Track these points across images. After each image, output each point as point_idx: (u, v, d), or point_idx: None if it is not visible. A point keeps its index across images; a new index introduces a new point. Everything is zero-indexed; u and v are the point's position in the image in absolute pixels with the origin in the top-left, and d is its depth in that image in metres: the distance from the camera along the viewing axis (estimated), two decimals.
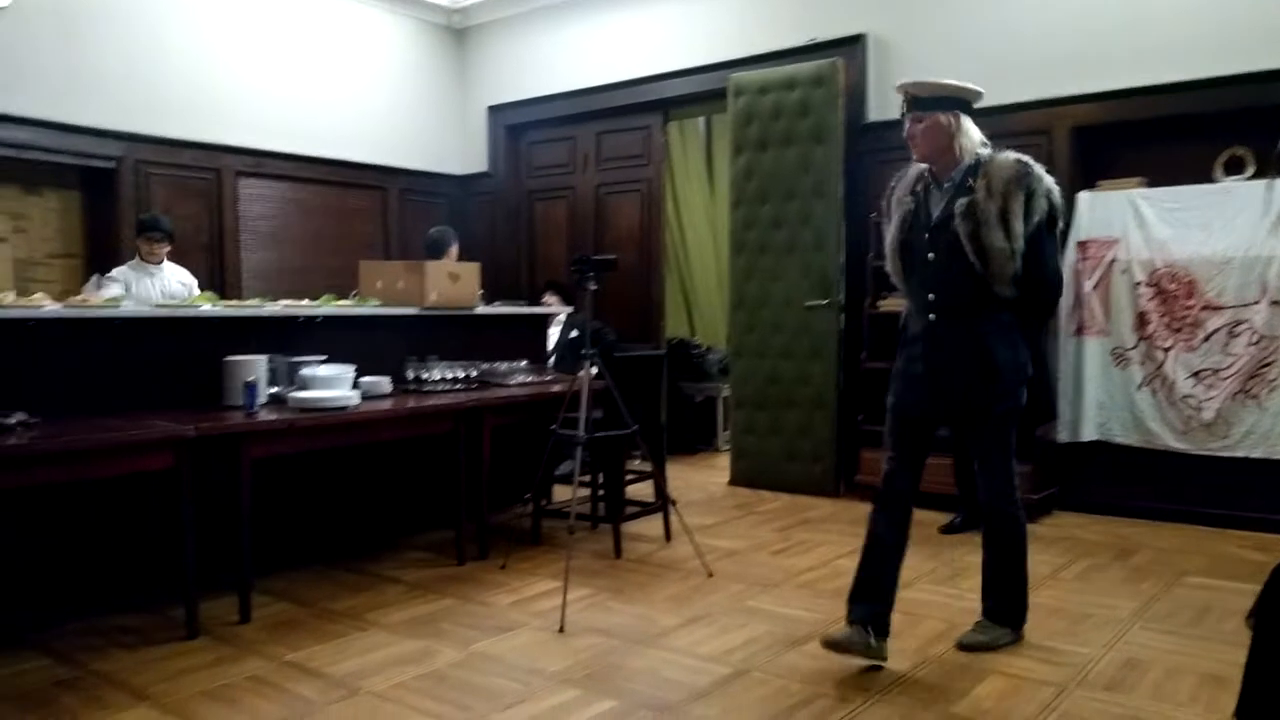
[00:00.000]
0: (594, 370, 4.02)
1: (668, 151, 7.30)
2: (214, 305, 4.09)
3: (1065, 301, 5.00)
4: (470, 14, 7.65)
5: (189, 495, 3.15)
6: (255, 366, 3.63)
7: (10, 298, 3.43)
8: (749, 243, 5.89)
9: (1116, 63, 4.95)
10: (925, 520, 4.89)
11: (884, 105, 5.67)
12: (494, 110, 7.65)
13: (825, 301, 5.60)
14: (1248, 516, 4.56)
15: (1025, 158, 2.88)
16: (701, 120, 8.58)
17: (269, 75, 6.60)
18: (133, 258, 5.16)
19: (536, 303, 6.43)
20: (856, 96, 5.69)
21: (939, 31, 5.50)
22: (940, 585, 3.83)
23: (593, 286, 4.02)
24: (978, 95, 3.00)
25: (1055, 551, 4.32)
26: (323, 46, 6.95)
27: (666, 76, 6.62)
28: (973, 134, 2.95)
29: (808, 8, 5.96)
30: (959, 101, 2.95)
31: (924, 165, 3.04)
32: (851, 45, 5.73)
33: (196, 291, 5.07)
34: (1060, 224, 2.95)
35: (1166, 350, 4.78)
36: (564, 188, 7.50)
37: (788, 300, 5.72)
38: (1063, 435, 5.06)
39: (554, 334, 6.14)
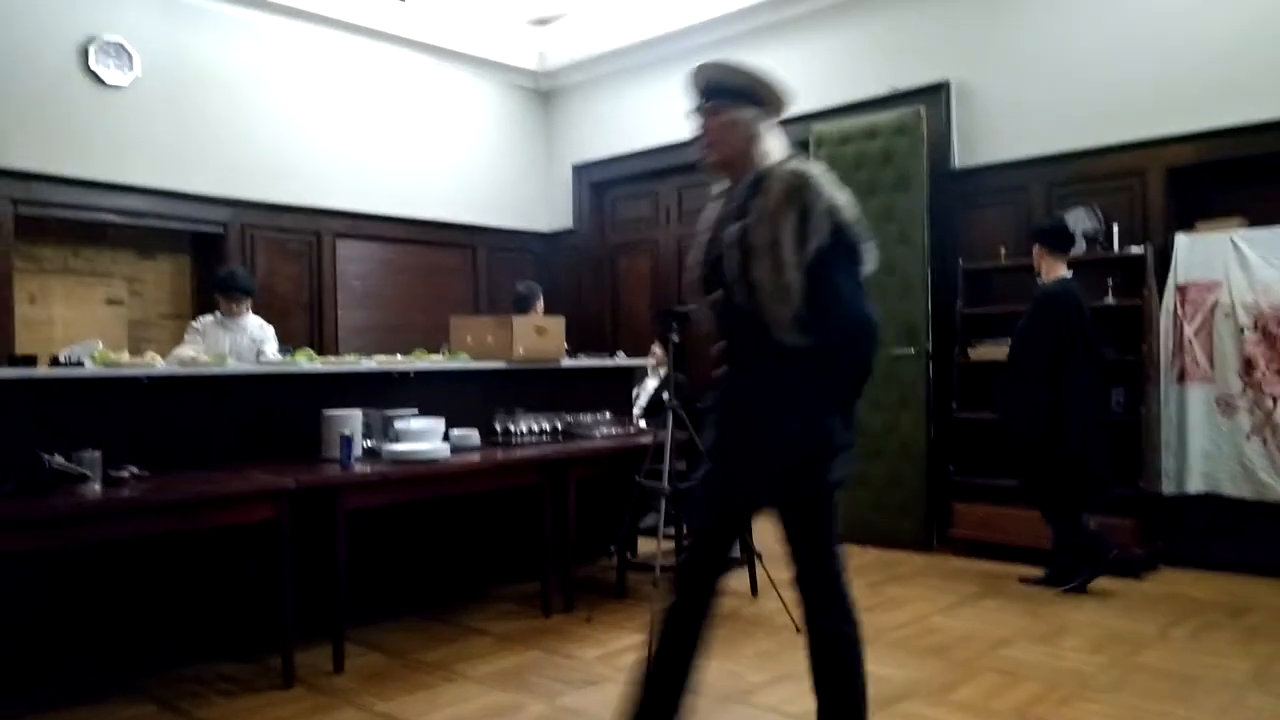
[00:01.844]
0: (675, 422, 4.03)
1: None
2: (311, 361, 4.25)
3: (1166, 347, 4.84)
4: (556, 76, 7.88)
5: (287, 546, 3.25)
6: (351, 421, 3.75)
7: (125, 357, 3.62)
8: None
9: (1208, 102, 4.82)
10: (1011, 573, 4.74)
11: (969, 152, 5.64)
12: (579, 169, 7.83)
13: (913, 350, 5.52)
14: None
15: (805, 168, 2.24)
16: None
17: (365, 140, 6.90)
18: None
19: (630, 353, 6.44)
20: (940, 144, 5.65)
21: (1023, 76, 5.45)
22: (1037, 644, 3.69)
23: (676, 339, 4.05)
24: (787, 101, 2.38)
25: (1162, 610, 4.13)
26: (416, 111, 7.23)
27: None
28: (771, 144, 2.34)
29: (889, 58, 5.97)
30: (764, 100, 2.34)
31: (720, 180, 2.43)
32: (934, 93, 5.71)
33: (271, 342, 5.15)
34: (859, 251, 2.25)
35: (1276, 398, 4.56)
36: (648, 241, 7.61)
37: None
38: (1168, 487, 4.85)
39: (651, 385, 6.16)
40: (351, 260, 6.86)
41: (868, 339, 2.23)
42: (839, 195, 2.22)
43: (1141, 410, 4.85)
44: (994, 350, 5.24)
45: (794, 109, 6.94)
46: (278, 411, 3.91)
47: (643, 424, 5.32)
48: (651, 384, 6.17)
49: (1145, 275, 4.89)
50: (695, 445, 4.07)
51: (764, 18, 6.58)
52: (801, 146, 6.20)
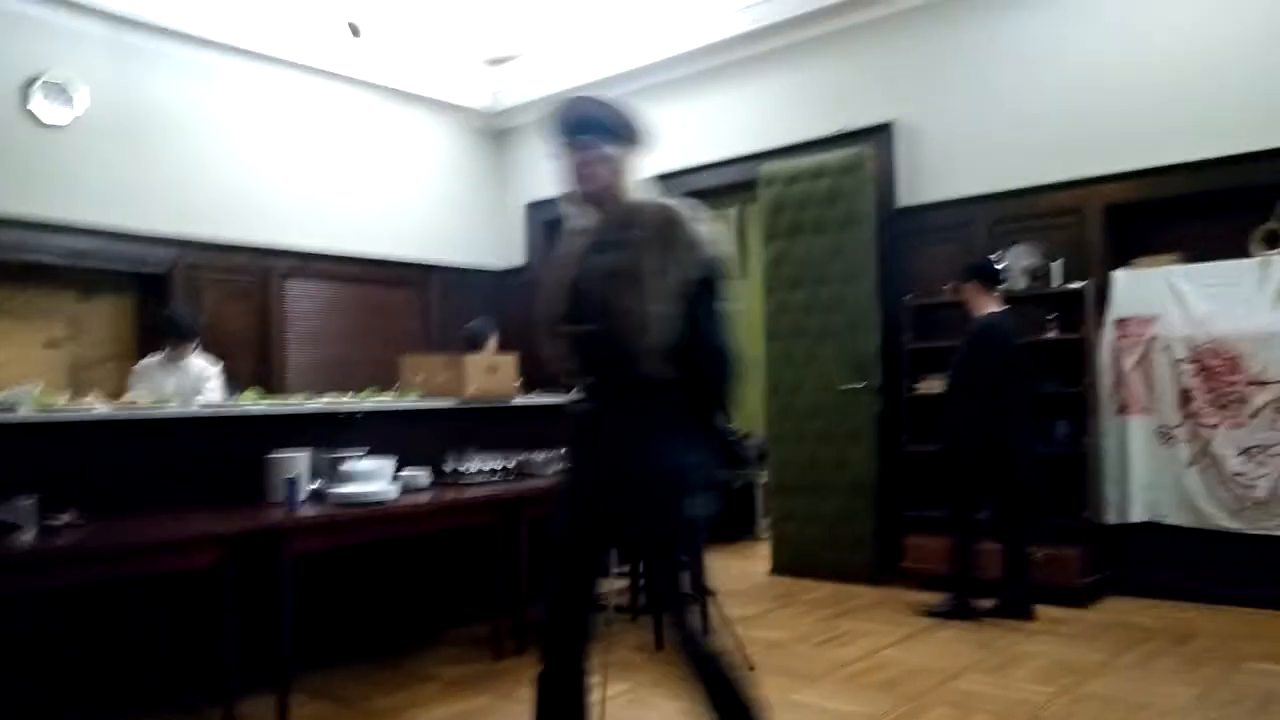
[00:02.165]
0: None
1: None
2: (257, 402, 4.18)
3: (1107, 380, 4.95)
4: (509, 116, 7.92)
5: (229, 593, 3.18)
6: (296, 463, 3.69)
7: (64, 400, 3.54)
8: (782, 328, 5.92)
9: (1146, 141, 4.98)
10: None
11: (915, 190, 5.75)
12: (532, 207, 7.85)
13: (862, 384, 5.58)
14: None
15: (674, 203, 2.35)
16: (735, 208, 8.71)
17: (316, 179, 6.86)
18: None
19: None
20: (887, 182, 5.77)
21: (966, 116, 5.59)
22: (988, 675, 3.71)
23: None
24: (649, 139, 2.47)
25: (1109, 638, 4.18)
26: (368, 150, 7.22)
27: (701, 169, 6.76)
28: (635, 179, 2.44)
29: (835, 99, 6.09)
30: (632, 137, 2.42)
31: (585, 214, 2.48)
32: (880, 133, 5.83)
33: (215, 380, 5.08)
34: (724, 285, 2.33)
35: (1213, 427, 4.68)
36: None
37: (824, 385, 5.72)
38: (1111, 517, 4.95)
39: None
40: (302, 298, 6.78)
41: (731, 372, 2.32)
42: (707, 230, 2.30)
43: (1085, 442, 4.95)
44: (940, 384, 5.32)
45: (743, 149, 7.01)
46: (222, 454, 3.83)
47: None
48: None
49: (1085, 310, 5.02)
50: None
51: (713, 60, 6.70)
52: (749, 186, 6.31)
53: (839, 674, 3.80)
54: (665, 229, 2.27)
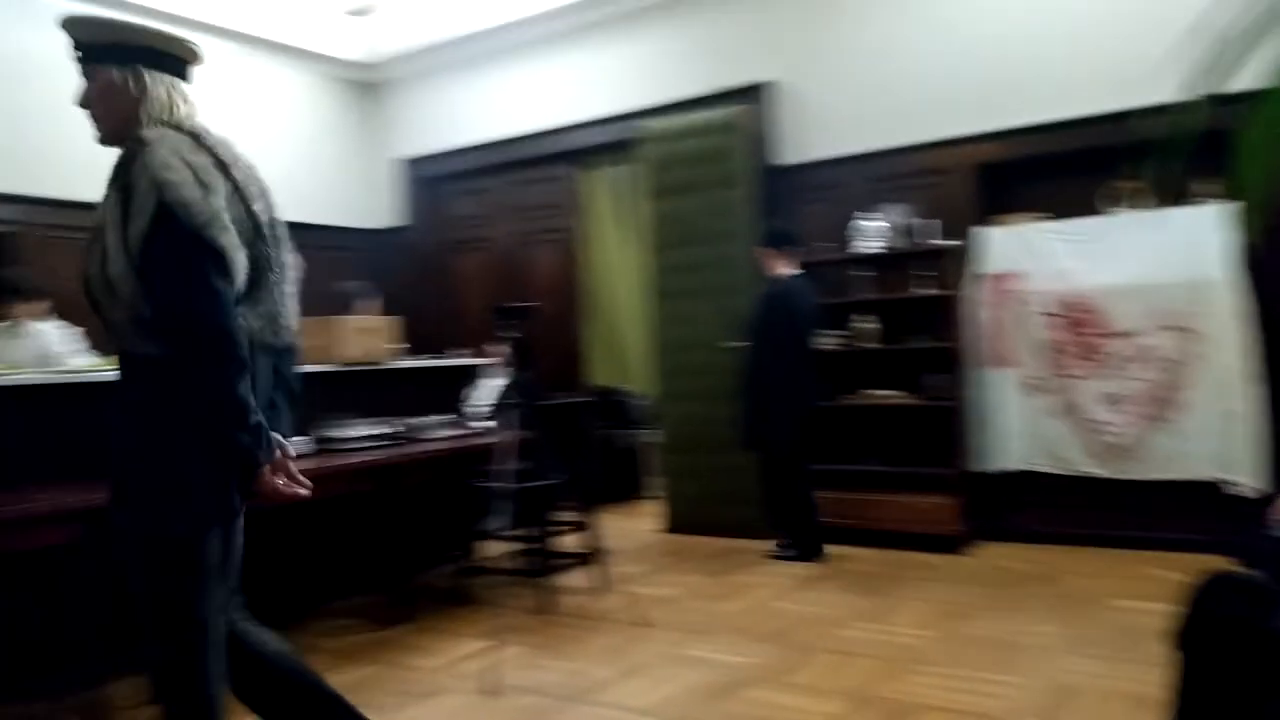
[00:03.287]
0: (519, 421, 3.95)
1: (586, 199, 7.32)
2: (98, 369, 3.91)
3: (976, 334, 5.14)
4: (381, 69, 7.61)
5: (90, 573, 2.97)
6: None
7: None
8: (668, 287, 5.91)
9: (1014, 101, 5.14)
10: (850, 556, 4.92)
11: (794, 149, 5.80)
12: (410, 163, 7.59)
13: (741, 343, 5.62)
14: (1165, 538, 4.66)
15: (151, 134, 1.86)
16: (621, 167, 8.65)
17: None
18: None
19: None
20: (765, 141, 5.79)
21: (843, 74, 5.65)
22: (871, 622, 3.83)
23: (515, 334, 3.97)
24: (181, 50, 2.03)
25: (984, 583, 4.37)
26: (226, 104, 6.80)
27: (579, 126, 6.67)
28: (163, 102, 1.97)
29: (713, 57, 6.07)
30: (146, 52, 1.96)
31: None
32: (757, 92, 5.85)
33: (77, 344, 4.76)
34: (208, 241, 1.79)
35: (1077, 378, 4.92)
36: (482, 239, 7.46)
37: (708, 343, 5.74)
38: (984, 466, 5.15)
39: (490, 385, 6.02)
40: None
41: (218, 352, 1.78)
42: (181, 170, 1.80)
43: (957, 394, 5.13)
44: (822, 340, 5.44)
45: (623, 106, 6.89)
46: (77, 424, 3.57)
47: (481, 425, 5.20)
48: (490, 384, 6.04)
49: (957, 266, 5.18)
50: (539, 444, 4.02)
51: (590, 14, 6.57)
52: (626, 145, 6.25)
53: (729, 625, 3.85)
54: (123, 168, 1.83)
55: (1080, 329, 4.90)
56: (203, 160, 1.87)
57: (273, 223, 2.05)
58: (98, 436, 3.47)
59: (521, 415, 3.88)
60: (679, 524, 5.90)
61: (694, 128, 5.80)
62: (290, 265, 2.11)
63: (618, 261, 8.69)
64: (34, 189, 5.71)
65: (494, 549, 4.65)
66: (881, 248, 5.39)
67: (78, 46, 1.96)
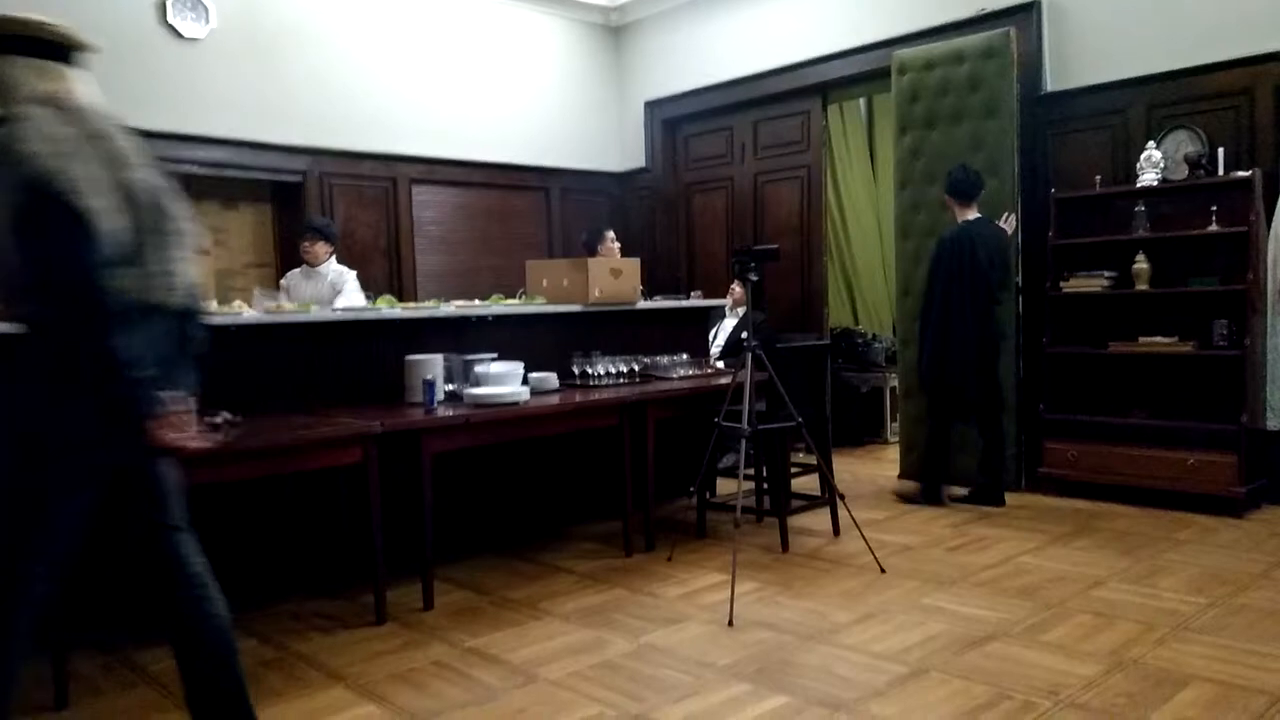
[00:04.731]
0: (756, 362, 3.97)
1: (827, 136, 7.14)
2: (393, 308, 4.29)
3: (1274, 276, 4.58)
4: (626, 11, 7.72)
5: (375, 488, 3.32)
6: (433, 365, 3.79)
7: (213, 306, 3.70)
8: (916, 226, 5.67)
9: None
10: (1109, 512, 4.61)
11: (1062, 74, 5.36)
12: (651, 105, 7.70)
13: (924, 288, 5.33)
14: None
15: (18, 111, 2.00)
16: (862, 101, 8.35)
17: (437, 85, 6.87)
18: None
19: (707, 294, 6.37)
20: (1031, 66, 5.38)
21: None
22: (1132, 584, 3.58)
23: (753, 278, 3.98)
24: (45, 29, 2.10)
25: (1267, 550, 3.97)
26: (484, 54, 7.17)
27: (825, 59, 6.47)
28: (20, 82, 2.06)
29: None
30: (11, 40, 2.07)
31: None
32: (1024, 13, 5.42)
33: (350, 283, 5.26)
34: (78, 209, 1.92)
35: None
36: (722, 179, 7.47)
37: None
38: (1273, 423, 4.63)
39: (729, 325, 6.10)
40: (427, 205, 6.89)
41: (88, 311, 1.91)
42: (43, 143, 1.93)
43: (1245, 343, 4.62)
44: (1088, 282, 5.05)
45: (874, 35, 6.67)
46: (361, 357, 3.97)
47: (720, 365, 5.28)
48: (729, 324, 6.11)
49: (1253, 200, 4.62)
50: (775, 386, 4.04)
51: None
52: (881, 75, 6.01)
53: (972, 579, 3.73)
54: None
55: None
56: (69, 132, 1.99)
57: (155, 189, 2.15)
58: (374, 369, 3.85)
59: (757, 357, 3.90)
60: (917, 471, 5.73)
61: (954, 53, 5.47)
62: (184, 231, 2.21)
63: (860, 199, 8.46)
64: (316, 141, 6.27)
65: (732, 487, 4.74)
66: (1162, 180, 4.89)
67: None
